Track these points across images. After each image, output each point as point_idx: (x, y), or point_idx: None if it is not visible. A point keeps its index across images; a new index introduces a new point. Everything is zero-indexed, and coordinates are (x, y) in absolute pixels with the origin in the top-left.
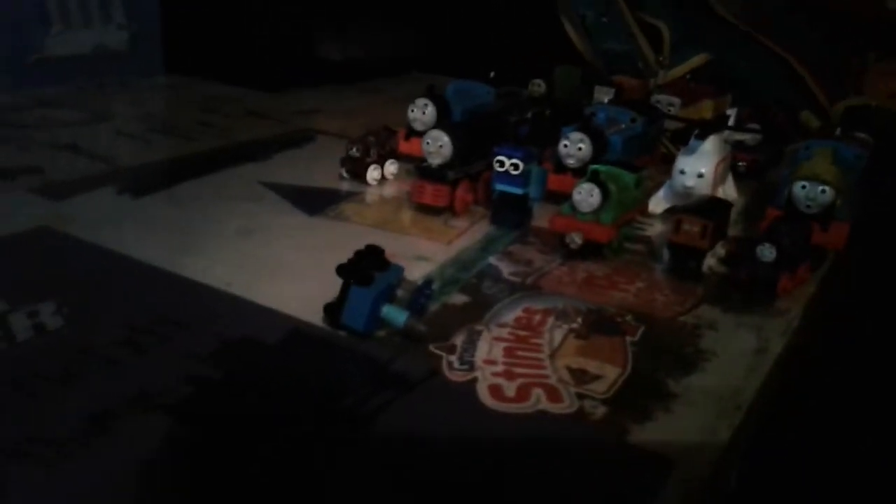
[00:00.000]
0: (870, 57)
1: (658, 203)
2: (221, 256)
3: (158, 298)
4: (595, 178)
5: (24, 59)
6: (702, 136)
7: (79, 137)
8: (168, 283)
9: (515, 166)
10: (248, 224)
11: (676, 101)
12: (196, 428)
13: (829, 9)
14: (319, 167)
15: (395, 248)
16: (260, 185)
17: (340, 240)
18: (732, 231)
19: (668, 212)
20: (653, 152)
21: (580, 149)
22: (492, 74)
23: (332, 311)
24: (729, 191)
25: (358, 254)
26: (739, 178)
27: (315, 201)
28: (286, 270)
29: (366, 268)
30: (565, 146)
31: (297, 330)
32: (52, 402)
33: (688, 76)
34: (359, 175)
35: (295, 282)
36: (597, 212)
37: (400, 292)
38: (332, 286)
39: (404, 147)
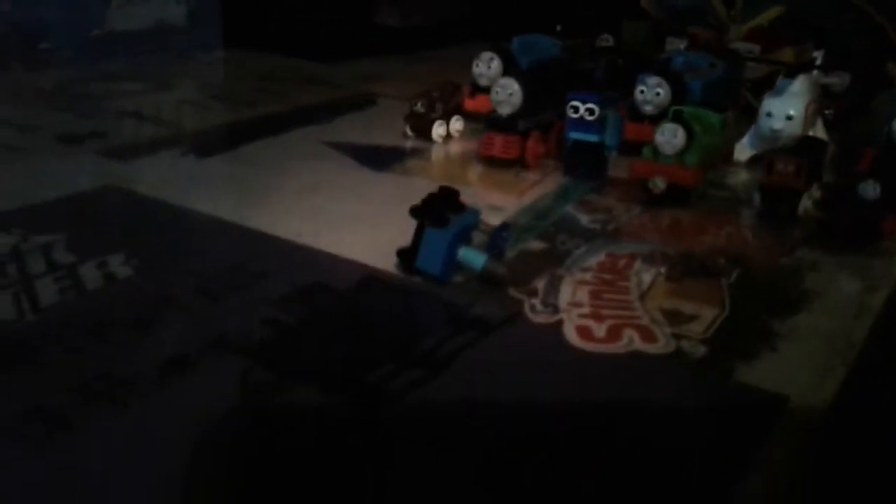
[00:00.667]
0: None
1: (743, 150)
2: (289, 210)
3: (228, 249)
4: (679, 119)
5: (86, 33)
6: (791, 76)
7: (141, 105)
8: (237, 234)
9: (591, 111)
10: (314, 180)
11: (755, 47)
12: (273, 370)
13: None
14: (382, 127)
15: (466, 199)
16: (323, 144)
17: (409, 193)
18: (824, 180)
19: (754, 160)
20: (735, 100)
21: (658, 94)
22: (558, 28)
23: (407, 255)
24: (819, 135)
25: (431, 196)
26: (826, 128)
27: (380, 158)
28: (356, 222)
29: (441, 209)
30: (642, 92)
31: (370, 276)
32: (125, 347)
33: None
34: (423, 132)
35: (365, 232)
36: (681, 154)
37: (476, 235)
38: (404, 236)
39: (470, 104)
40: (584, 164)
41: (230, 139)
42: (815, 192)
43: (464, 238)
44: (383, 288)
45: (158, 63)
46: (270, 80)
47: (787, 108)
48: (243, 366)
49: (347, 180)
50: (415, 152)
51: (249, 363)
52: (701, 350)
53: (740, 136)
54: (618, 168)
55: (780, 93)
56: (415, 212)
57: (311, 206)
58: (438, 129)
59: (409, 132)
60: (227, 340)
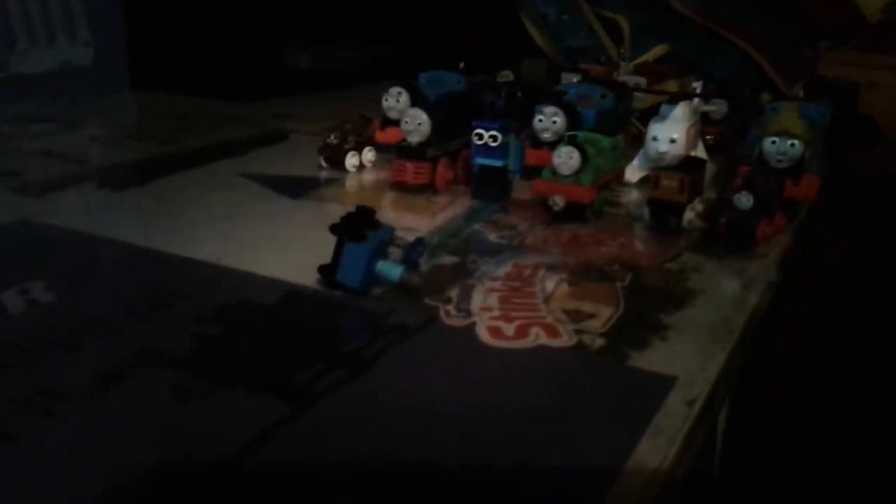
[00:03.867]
0: (822, 46)
1: (634, 172)
2: (208, 236)
3: (150, 274)
4: (573, 142)
5: None
6: (672, 103)
7: (52, 144)
8: (157, 260)
9: (494, 138)
10: (232, 209)
11: (642, 80)
12: (202, 378)
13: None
14: (296, 160)
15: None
16: (239, 176)
17: (325, 218)
18: (706, 196)
19: (644, 180)
20: (624, 127)
21: (555, 122)
22: (461, 65)
23: (328, 270)
24: (700, 155)
25: (349, 214)
26: (708, 152)
27: (296, 188)
28: (275, 244)
29: (359, 226)
30: (540, 121)
31: (293, 292)
32: (55, 363)
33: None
34: (337, 163)
35: (285, 253)
36: (577, 174)
37: (392, 250)
38: (321, 256)
39: (380, 136)
40: (489, 187)
41: (145, 174)
42: (698, 205)
43: (380, 252)
44: (305, 302)
45: (67, 105)
46: (183, 119)
47: (671, 132)
48: (173, 376)
49: (265, 208)
50: (329, 182)
51: (178, 373)
52: (599, 342)
53: (630, 159)
54: (520, 191)
55: (663, 118)
56: (334, 228)
57: (230, 231)
58: (351, 160)
59: (323, 163)
60: (156, 354)
